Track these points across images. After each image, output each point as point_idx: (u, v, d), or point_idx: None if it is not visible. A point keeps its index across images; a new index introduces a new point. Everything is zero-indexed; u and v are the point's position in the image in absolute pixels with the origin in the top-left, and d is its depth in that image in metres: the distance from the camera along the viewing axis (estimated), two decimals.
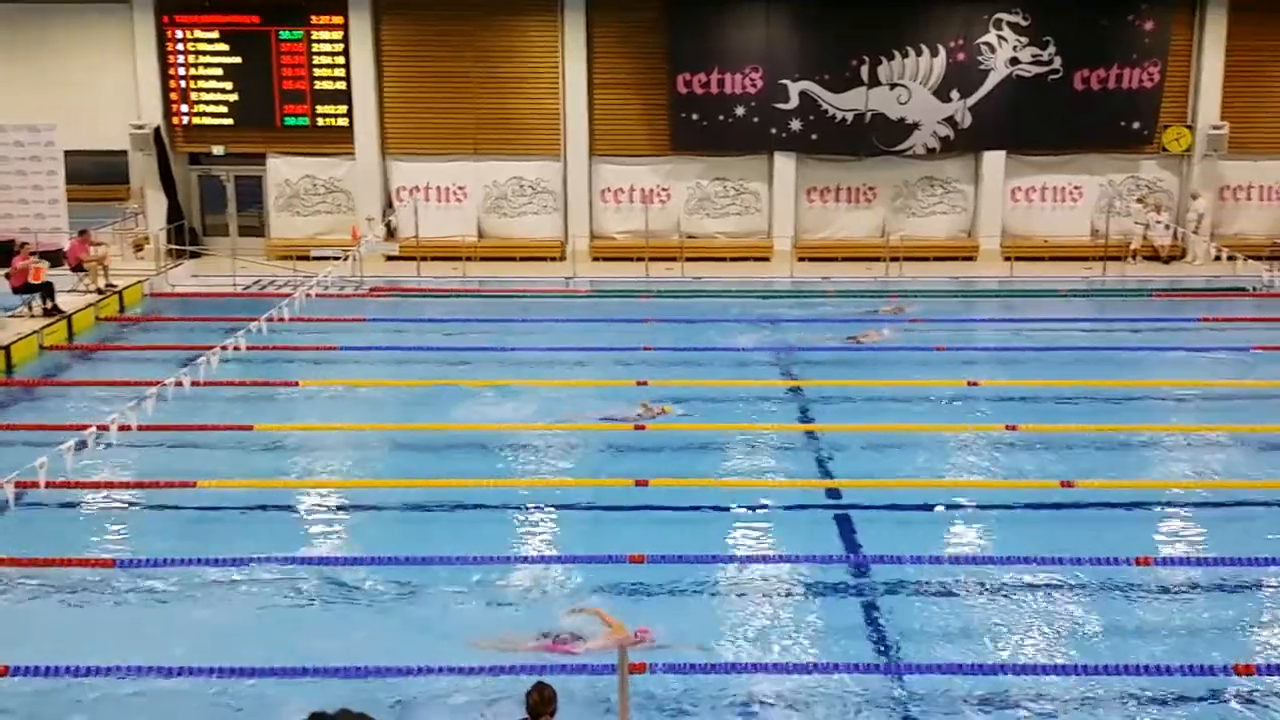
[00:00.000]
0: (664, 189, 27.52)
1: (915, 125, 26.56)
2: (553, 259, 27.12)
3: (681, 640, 9.83)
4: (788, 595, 10.90)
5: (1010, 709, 8.99)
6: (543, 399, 16.81)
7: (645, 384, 17.01)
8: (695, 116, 26.63)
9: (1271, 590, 10.94)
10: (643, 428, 15.20)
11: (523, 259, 26.85)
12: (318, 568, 11.35)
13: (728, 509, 12.91)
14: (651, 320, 21.31)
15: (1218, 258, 24.76)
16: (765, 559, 11.69)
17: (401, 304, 23.52)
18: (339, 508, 13.11)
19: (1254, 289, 23.27)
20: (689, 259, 25.77)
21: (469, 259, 25.94)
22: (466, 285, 24.55)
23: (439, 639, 9.92)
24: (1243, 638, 10.10)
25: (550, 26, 26.89)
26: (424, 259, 25.73)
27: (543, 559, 11.69)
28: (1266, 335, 19.73)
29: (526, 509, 12.97)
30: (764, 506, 13.03)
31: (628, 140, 27.39)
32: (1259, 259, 24.47)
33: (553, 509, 13.00)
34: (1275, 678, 9.31)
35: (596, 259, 27.08)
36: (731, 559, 11.65)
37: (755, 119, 26.59)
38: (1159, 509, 13.00)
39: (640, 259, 25.75)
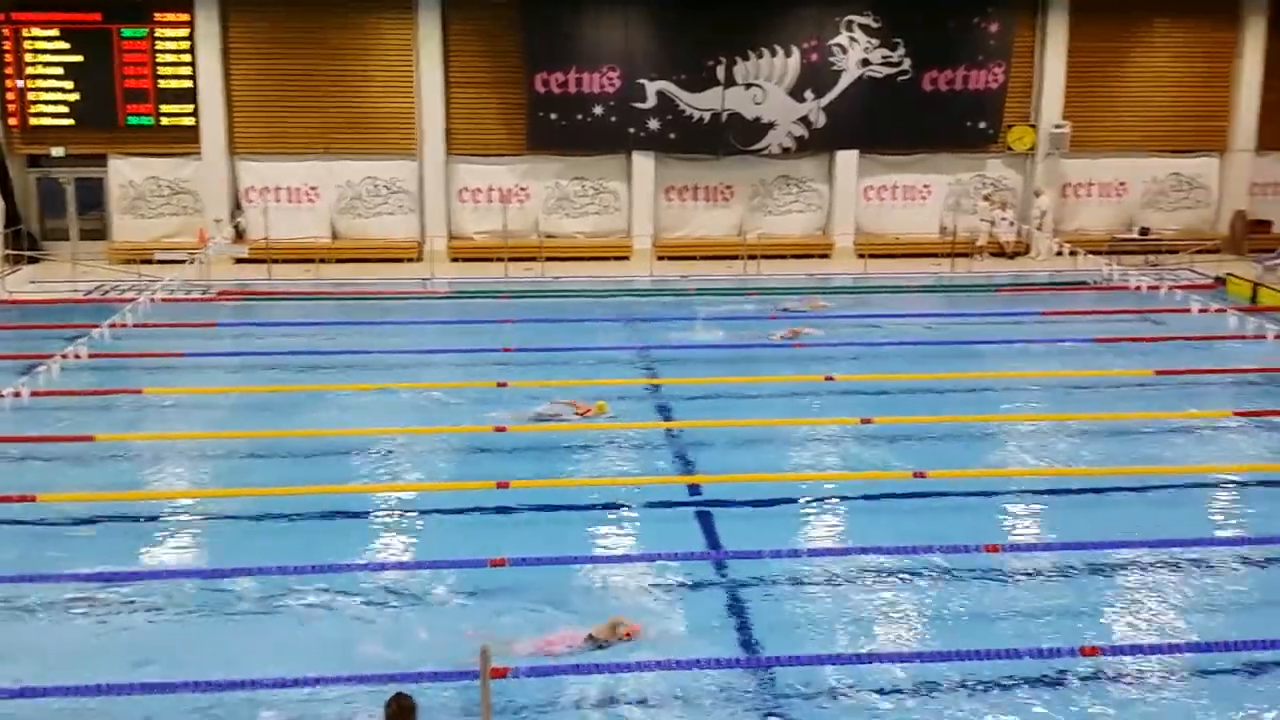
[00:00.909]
0: (523, 188, 27.37)
1: (771, 125, 26.91)
2: (410, 260, 26.74)
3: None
4: (651, 593, 10.90)
5: (871, 696, 9.13)
6: (400, 402, 16.56)
7: (505, 385, 16.88)
8: (553, 116, 26.54)
9: (1115, 573, 11.32)
10: (504, 429, 15.05)
11: (379, 260, 26.42)
12: (166, 581, 10.94)
13: (590, 508, 12.88)
14: (512, 320, 21.16)
15: (1060, 253, 25.65)
16: (628, 557, 11.66)
17: (252, 308, 22.89)
18: (188, 519, 12.66)
19: (1094, 283, 24.16)
20: (549, 259, 25.67)
21: (323, 261, 25.42)
22: (320, 288, 24.04)
23: (297, 651, 9.66)
24: (1089, 620, 10.43)
25: (405, 24, 26.51)
26: (275, 261, 25.13)
27: (401, 565, 11.47)
28: (1107, 327, 20.50)
29: (385, 515, 12.74)
30: (626, 505, 13.03)
31: (485, 139, 27.17)
32: (1099, 254, 25.43)
33: (412, 514, 12.80)
34: (1120, 658, 9.64)
35: (455, 259, 26.81)
36: (594, 559, 11.59)
37: (613, 118, 26.63)
38: (1007, 496, 13.36)
39: (499, 259, 25.56)
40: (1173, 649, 9.72)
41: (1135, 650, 9.77)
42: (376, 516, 12.69)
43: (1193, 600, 10.83)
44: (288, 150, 26.78)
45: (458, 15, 26.52)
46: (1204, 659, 9.57)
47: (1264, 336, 18.89)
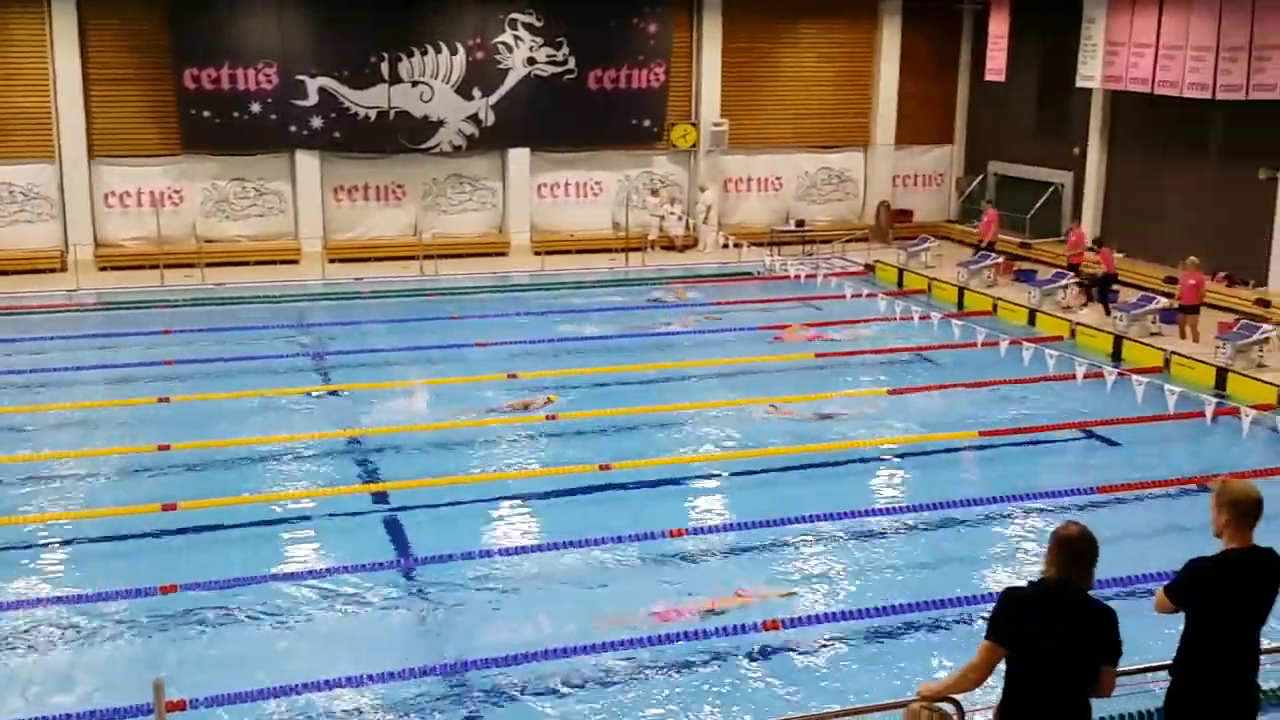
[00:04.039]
0: (176, 191, 25.80)
1: (440, 123, 26.57)
2: (52, 271, 24.65)
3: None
4: (340, 606, 10.50)
5: (568, 690, 9.11)
6: (50, 424, 15.26)
7: (168, 400, 15.88)
8: (207, 114, 25.16)
9: (793, 548, 11.82)
10: (167, 447, 14.09)
11: (16, 272, 24.18)
12: None
13: (268, 524, 12.29)
14: (172, 331, 19.96)
15: (726, 245, 26.70)
16: (313, 572, 11.17)
17: None
18: None
19: (757, 273, 25.29)
20: (209, 264, 24.32)
21: None
22: None
23: None
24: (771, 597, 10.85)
25: (35, 18, 24.38)
26: None
27: (61, 600, 10.50)
28: (771, 315, 21.45)
29: (42, 546, 11.70)
30: (307, 518, 12.52)
31: (133, 140, 25.42)
32: (760, 245, 26.63)
33: (72, 543, 11.79)
34: (796, 630, 10.04)
35: (104, 269, 24.94)
36: (274, 577, 11.04)
37: (273, 116, 25.54)
38: (689, 482, 13.74)
39: (154, 266, 24.01)
40: (848, 615, 10.23)
41: (814, 620, 10.21)
42: (31, 548, 11.63)
43: (865, 568, 11.47)
44: None
45: (96, 7, 24.66)
46: (882, 622, 10.14)
47: (910, 318, 20.33)
